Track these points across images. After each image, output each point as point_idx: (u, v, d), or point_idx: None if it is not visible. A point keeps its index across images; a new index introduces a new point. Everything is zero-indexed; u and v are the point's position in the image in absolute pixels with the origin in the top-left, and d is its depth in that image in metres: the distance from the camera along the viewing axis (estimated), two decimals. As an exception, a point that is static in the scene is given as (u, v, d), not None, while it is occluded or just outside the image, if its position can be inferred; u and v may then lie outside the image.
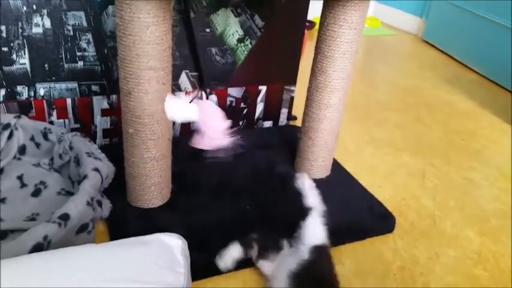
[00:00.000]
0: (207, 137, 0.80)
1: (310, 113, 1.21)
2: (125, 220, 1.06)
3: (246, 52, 1.40)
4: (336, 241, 1.10)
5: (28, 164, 1.17)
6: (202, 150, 0.87)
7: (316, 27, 2.78)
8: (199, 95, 0.83)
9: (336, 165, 1.34)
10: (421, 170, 1.49)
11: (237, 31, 1.35)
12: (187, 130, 1.46)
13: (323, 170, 1.28)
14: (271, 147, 1.41)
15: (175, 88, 1.35)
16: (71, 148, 1.11)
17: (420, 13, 3.00)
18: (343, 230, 1.11)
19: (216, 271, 0.95)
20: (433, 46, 2.81)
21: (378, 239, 1.15)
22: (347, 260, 1.07)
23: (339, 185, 1.27)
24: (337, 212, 1.14)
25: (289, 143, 1.42)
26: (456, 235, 1.21)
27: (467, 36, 2.53)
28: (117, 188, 1.10)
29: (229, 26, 1.34)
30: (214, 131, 0.81)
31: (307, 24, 1.47)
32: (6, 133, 1.15)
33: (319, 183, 1.25)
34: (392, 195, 1.33)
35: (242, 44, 1.38)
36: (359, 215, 1.16)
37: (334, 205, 1.17)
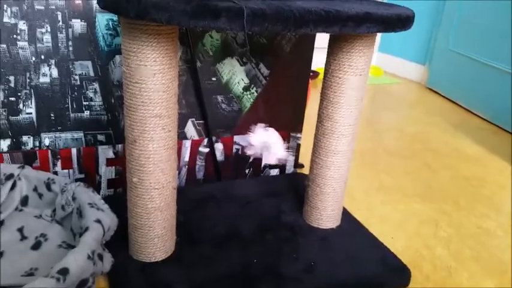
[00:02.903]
0: (273, 155, 0.88)
1: (318, 159, 1.19)
2: (127, 275, 1.01)
3: (251, 100, 1.40)
4: (349, 295, 1.05)
5: (30, 216, 1.14)
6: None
7: (320, 76, 2.82)
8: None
9: (346, 214, 1.30)
10: (433, 217, 1.44)
11: (242, 79, 1.36)
12: (192, 179, 1.44)
13: (333, 220, 1.24)
14: (279, 196, 1.38)
15: (181, 136, 1.34)
16: (73, 199, 1.09)
17: (423, 61, 3.05)
18: (355, 285, 1.05)
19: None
20: (437, 93, 2.84)
21: (392, 293, 1.09)
22: (361, 316, 1.01)
23: (350, 236, 1.22)
24: (349, 266, 1.10)
25: (296, 191, 1.39)
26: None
27: (471, 82, 2.55)
28: (119, 241, 1.06)
29: (234, 75, 1.35)
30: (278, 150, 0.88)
31: (311, 73, 1.49)
32: (9, 184, 1.14)
33: (329, 234, 1.22)
34: (406, 245, 1.28)
35: (248, 92, 1.39)
36: (372, 268, 1.10)
37: (345, 258, 1.13)
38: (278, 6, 0.81)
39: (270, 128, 0.83)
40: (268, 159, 0.85)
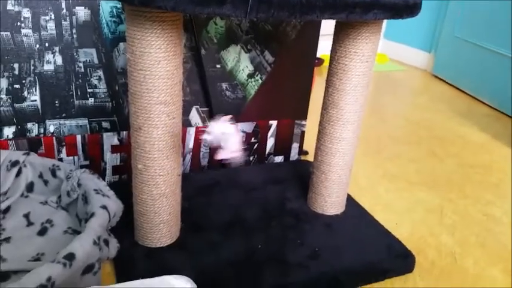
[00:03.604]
0: (228, 150, 0.87)
1: (323, 147, 1.18)
2: (132, 260, 1.02)
3: (256, 87, 1.39)
4: (353, 283, 1.05)
5: (35, 202, 1.15)
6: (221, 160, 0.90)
7: (325, 63, 2.81)
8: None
9: (351, 201, 1.30)
10: (438, 205, 1.44)
11: (247, 67, 1.35)
12: (196, 166, 1.44)
13: (337, 206, 1.24)
14: (283, 183, 1.38)
15: (186, 123, 1.34)
16: (79, 185, 1.09)
17: (429, 48, 3.02)
18: (360, 271, 1.05)
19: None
20: (443, 80, 2.81)
21: (397, 279, 1.09)
22: (365, 302, 1.02)
23: (355, 223, 1.22)
24: (354, 252, 1.10)
25: (301, 178, 1.39)
26: (479, 274, 1.15)
27: (477, 69, 2.53)
28: (125, 227, 1.07)
29: (239, 62, 1.34)
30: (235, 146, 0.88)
31: (315, 60, 1.48)
32: (14, 170, 1.14)
33: (334, 221, 1.22)
34: (410, 232, 1.28)
35: (252, 79, 1.38)
36: (377, 254, 1.11)
37: (350, 244, 1.13)
38: (284, -9, 0.80)
39: (233, 124, 0.84)
40: (222, 152, 0.86)
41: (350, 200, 1.30)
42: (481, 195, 1.52)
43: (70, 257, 0.82)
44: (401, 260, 1.12)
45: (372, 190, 1.50)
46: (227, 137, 0.84)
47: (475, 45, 2.54)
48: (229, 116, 0.88)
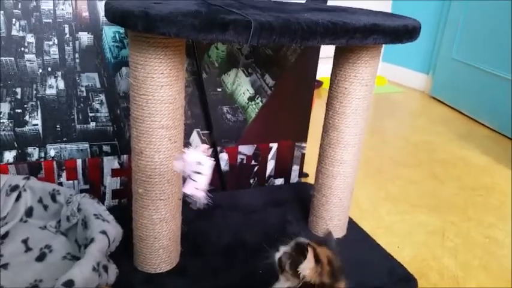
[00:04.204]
0: (194, 185, 0.84)
1: (324, 169, 1.18)
2: (131, 287, 1.01)
3: (256, 110, 1.40)
4: (356, 307, 1.03)
5: (34, 227, 1.14)
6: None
7: (324, 85, 2.83)
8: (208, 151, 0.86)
9: (352, 224, 1.29)
10: (440, 228, 1.43)
11: (248, 90, 1.36)
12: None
13: (339, 230, 1.23)
14: (284, 205, 1.37)
15: (186, 146, 1.34)
16: (79, 210, 1.08)
17: (426, 70, 3.05)
18: (363, 295, 1.04)
19: None
20: (441, 102, 2.83)
21: (400, 304, 1.08)
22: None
23: (356, 246, 1.21)
24: (356, 276, 1.08)
25: (301, 201, 1.38)
26: (483, 299, 1.13)
27: (475, 91, 2.55)
28: (124, 252, 1.06)
29: (240, 85, 1.35)
30: (202, 183, 0.84)
31: (315, 83, 1.49)
32: (14, 195, 1.13)
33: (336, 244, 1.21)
34: (412, 255, 1.27)
35: (253, 102, 1.39)
36: (379, 278, 1.09)
37: (352, 268, 1.11)
38: (285, 18, 0.81)
39: (211, 158, 0.81)
40: (186, 186, 0.82)
41: (351, 223, 1.29)
42: (483, 218, 1.51)
43: (69, 283, 0.81)
44: (404, 284, 1.10)
45: (373, 213, 1.49)
46: (199, 169, 0.80)
47: (473, 67, 2.57)
48: (207, 146, 0.86)
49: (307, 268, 0.79)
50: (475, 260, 1.28)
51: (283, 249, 0.84)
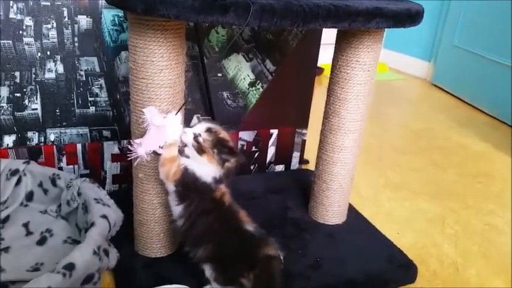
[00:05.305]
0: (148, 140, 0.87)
1: (324, 156, 1.18)
2: (132, 271, 1.01)
3: (257, 96, 1.39)
4: (356, 292, 1.04)
5: (35, 211, 1.14)
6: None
7: (325, 72, 2.81)
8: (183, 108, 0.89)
9: (352, 211, 1.29)
10: (440, 215, 1.43)
11: (248, 75, 1.35)
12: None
13: (339, 216, 1.23)
14: (284, 192, 1.37)
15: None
16: (79, 194, 1.08)
17: (428, 57, 3.03)
18: (362, 282, 1.04)
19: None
20: (442, 90, 2.82)
21: (399, 290, 1.08)
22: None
23: (356, 232, 1.21)
24: (356, 262, 1.09)
25: (302, 188, 1.38)
26: (482, 285, 1.14)
27: (476, 78, 2.53)
28: (125, 236, 1.06)
29: (240, 71, 1.34)
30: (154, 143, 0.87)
31: (316, 69, 1.48)
32: (14, 179, 1.13)
33: (336, 230, 1.21)
34: (412, 242, 1.27)
35: (253, 88, 1.38)
36: (379, 264, 1.10)
37: (352, 254, 1.12)
38: (287, 1, 0.80)
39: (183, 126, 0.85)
40: (143, 138, 0.85)
41: (351, 209, 1.29)
42: (482, 205, 1.52)
43: (70, 267, 0.81)
44: (404, 270, 1.11)
45: (373, 199, 1.49)
46: (161, 129, 0.82)
47: (474, 55, 2.55)
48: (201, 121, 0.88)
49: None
50: (475, 247, 1.29)
51: (190, 131, 0.88)
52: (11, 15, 1.08)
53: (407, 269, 1.11)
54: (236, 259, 0.88)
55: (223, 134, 0.90)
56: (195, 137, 0.87)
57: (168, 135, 0.86)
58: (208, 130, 0.88)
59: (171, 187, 0.89)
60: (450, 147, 1.99)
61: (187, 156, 0.88)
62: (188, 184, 0.87)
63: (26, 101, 1.16)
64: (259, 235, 0.91)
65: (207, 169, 0.87)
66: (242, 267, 0.87)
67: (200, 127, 0.88)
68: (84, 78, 1.19)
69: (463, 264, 1.20)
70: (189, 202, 0.89)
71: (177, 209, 0.90)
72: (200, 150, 0.86)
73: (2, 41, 1.09)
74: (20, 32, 1.10)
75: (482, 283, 1.14)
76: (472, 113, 2.47)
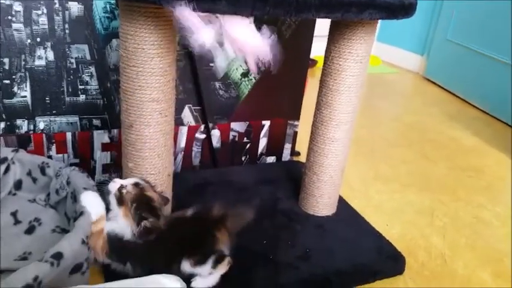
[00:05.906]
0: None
1: (315, 147, 1.18)
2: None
3: (249, 87, 1.39)
4: (343, 284, 1.05)
5: (23, 200, 1.13)
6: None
7: (318, 65, 2.81)
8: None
9: (342, 203, 1.30)
10: (429, 207, 1.45)
11: (241, 66, 1.35)
12: (188, 165, 1.43)
13: (329, 207, 1.24)
14: (275, 183, 1.37)
15: (178, 122, 1.33)
16: (68, 183, 1.08)
17: (421, 51, 3.04)
18: (351, 272, 1.05)
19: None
20: (435, 84, 2.83)
21: (387, 281, 1.09)
22: (356, 303, 1.01)
23: (346, 224, 1.22)
24: (345, 253, 1.10)
25: (293, 179, 1.38)
26: (469, 276, 1.15)
27: (469, 73, 2.55)
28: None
29: (233, 61, 1.33)
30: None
31: (309, 61, 1.48)
32: (2, 167, 1.12)
33: (325, 222, 1.22)
34: (401, 234, 1.29)
35: (246, 79, 1.37)
36: (367, 256, 1.10)
37: (341, 246, 1.13)
38: (279, -11, 0.79)
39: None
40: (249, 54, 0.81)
41: (341, 201, 1.30)
42: (472, 198, 1.53)
43: (58, 256, 0.80)
44: (392, 261, 1.12)
45: (363, 191, 1.50)
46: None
47: (467, 49, 2.56)
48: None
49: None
50: (463, 239, 1.30)
51: (119, 182, 0.90)
52: (0, 0, 1.06)
53: (395, 260, 1.12)
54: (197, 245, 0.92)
55: (151, 193, 0.90)
56: (120, 188, 0.88)
57: (92, 212, 0.89)
58: (136, 184, 0.90)
59: (106, 260, 0.91)
60: (441, 141, 2.00)
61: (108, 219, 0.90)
62: (117, 249, 0.89)
63: (15, 88, 1.15)
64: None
65: (121, 223, 0.88)
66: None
67: (130, 180, 0.90)
68: (74, 66, 1.18)
69: (451, 256, 1.22)
70: (128, 260, 0.90)
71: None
72: (120, 200, 0.88)
73: (-10, 27, 1.07)
74: (9, 17, 1.08)
75: (470, 274, 1.15)
76: (464, 107, 2.49)
